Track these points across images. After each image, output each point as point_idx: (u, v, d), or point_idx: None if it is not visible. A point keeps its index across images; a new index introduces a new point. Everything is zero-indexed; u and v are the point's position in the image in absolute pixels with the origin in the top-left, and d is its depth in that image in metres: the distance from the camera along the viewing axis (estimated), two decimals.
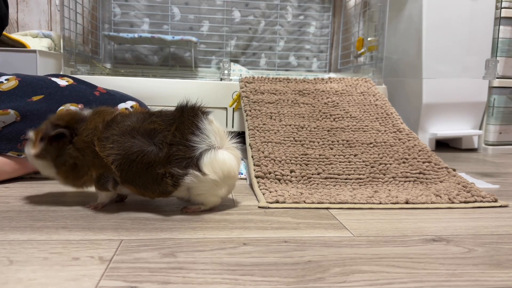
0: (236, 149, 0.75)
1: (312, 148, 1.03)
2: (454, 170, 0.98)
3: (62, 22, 1.31)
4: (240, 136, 1.44)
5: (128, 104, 1.04)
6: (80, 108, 0.93)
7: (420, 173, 0.95)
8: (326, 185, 0.89)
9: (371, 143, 1.06)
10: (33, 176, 0.95)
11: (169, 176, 0.67)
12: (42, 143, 0.70)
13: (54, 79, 1.00)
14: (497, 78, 1.38)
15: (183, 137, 0.67)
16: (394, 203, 0.80)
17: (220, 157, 0.69)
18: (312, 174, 0.93)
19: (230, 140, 0.74)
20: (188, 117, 0.69)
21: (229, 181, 0.72)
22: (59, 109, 0.91)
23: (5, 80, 0.93)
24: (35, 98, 0.91)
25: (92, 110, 0.73)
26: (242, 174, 1.03)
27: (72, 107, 0.92)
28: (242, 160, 1.12)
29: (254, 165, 0.93)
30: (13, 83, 0.93)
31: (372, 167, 0.96)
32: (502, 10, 1.51)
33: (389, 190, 0.88)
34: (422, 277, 0.49)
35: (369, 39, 1.55)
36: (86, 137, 0.69)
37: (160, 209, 0.73)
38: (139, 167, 0.66)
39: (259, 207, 0.77)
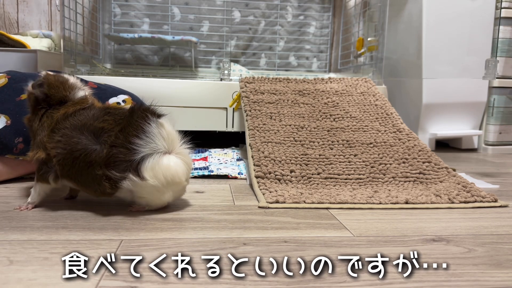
0: (187, 154, 0.72)
1: (312, 148, 1.03)
2: (454, 170, 0.98)
3: (62, 22, 1.31)
4: (240, 136, 1.44)
5: (120, 98, 1.03)
6: None
7: (420, 173, 0.95)
8: (326, 185, 0.89)
9: (371, 143, 1.06)
10: (33, 176, 0.94)
11: (107, 179, 0.66)
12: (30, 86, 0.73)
13: None
14: (497, 78, 1.38)
15: (126, 140, 0.65)
16: (394, 203, 0.80)
17: (164, 163, 0.67)
18: (312, 174, 0.93)
19: (183, 144, 0.72)
20: (136, 118, 0.67)
21: (173, 187, 0.69)
22: None
23: None
24: (24, 96, 0.91)
25: (81, 98, 0.73)
26: (242, 174, 1.03)
27: None
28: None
29: (254, 165, 0.93)
30: (3, 80, 0.93)
31: (372, 167, 0.96)
32: (502, 10, 1.50)
33: (389, 190, 0.88)
34: (422, 277, 0.49)
35: (369, 39, 1.55)
36: (50, 122, 0.69)
37: (161, 209, 0.73)
38: (81, 165, 0.66)
39: (259, 207, 0.77)
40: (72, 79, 0.76)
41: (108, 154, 0.65)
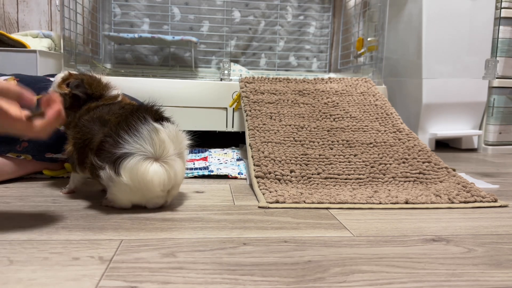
0: (174, 165, 0.68)
1: (312, 148, 1.03)
2: (454, 170, 0.98)
3: (62, 22, 1.31)
4: (240, 136, 1.44)
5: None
6: None
7: (420, 173, 0.95)
8: (326, 185, 0.89)
9: (371, 143, 1.06)
10: (33, 176, 0.95)
11: (91, 165, 0.68)
12: (65, 87, 0.80)
13: (52, 79, 1.00)
14: (497, 78, 1.38)
15: (116, 132, 0.65)
16: (394, 203, 0.80)
17: (143, 167, 0.65)
18: (312, 174, 0.93)
19: (175, 151, 0.69)
20: (134, 116, 0.66)
21: (146, 193, 0.68)
22: None
23: (4, 80, 0.93)
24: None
25: (112, 96, 0.80)
26: (242, 174, 1.03)
27: None
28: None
29: (254, 165, 0.93)
30: (11, 83, 0.93)
31: (372, 167, 0.96)
32: (502, 10, 1.51)
33: (389, 190, 0.88)
34: (422, 277, 0.49)
35: (369, 39, 1.55)
36: (78, 119, 0.75)
37: (160, 209, 0.73)
38: (86, 150, 0.70)
39: (259, 207, 0.77)
40: (104, 79, 0.83)
41: (99, 142, 0.67)
